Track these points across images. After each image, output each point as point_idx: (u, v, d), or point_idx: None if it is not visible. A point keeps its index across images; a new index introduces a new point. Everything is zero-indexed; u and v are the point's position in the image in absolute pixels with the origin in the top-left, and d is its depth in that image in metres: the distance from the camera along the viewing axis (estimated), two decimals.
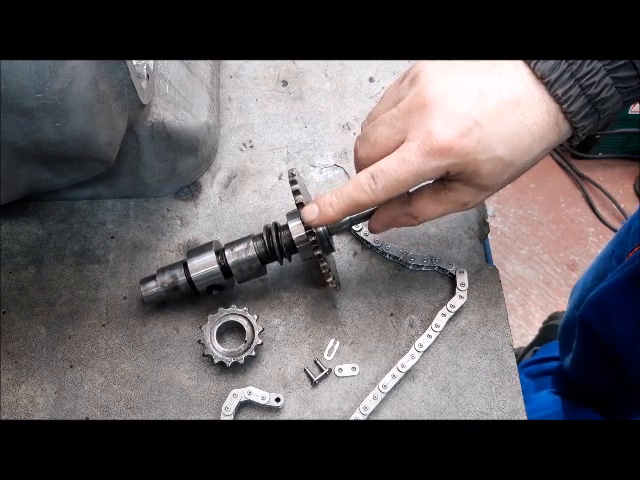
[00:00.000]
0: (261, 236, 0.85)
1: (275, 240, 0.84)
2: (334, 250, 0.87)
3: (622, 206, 2.69)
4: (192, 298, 0.89)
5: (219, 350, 0.85)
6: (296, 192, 0.78)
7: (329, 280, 0.81)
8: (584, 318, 1.39)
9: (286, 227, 0.83)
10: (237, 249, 0.85)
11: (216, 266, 0.84)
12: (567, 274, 2.55)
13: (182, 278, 0.86)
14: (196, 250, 0.87)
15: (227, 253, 0.85)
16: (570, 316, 1.52)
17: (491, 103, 0.68)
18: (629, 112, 2.55)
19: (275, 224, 0.86)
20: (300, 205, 0.78)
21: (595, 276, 1.39)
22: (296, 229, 0.81)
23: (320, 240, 0.81)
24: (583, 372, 1.54)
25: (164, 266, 0.88)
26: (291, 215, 0.83)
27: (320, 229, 0.82)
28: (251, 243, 0.85)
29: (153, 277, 0.87)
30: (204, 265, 0.85)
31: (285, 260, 0.86)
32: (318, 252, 0.79)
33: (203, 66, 1.03)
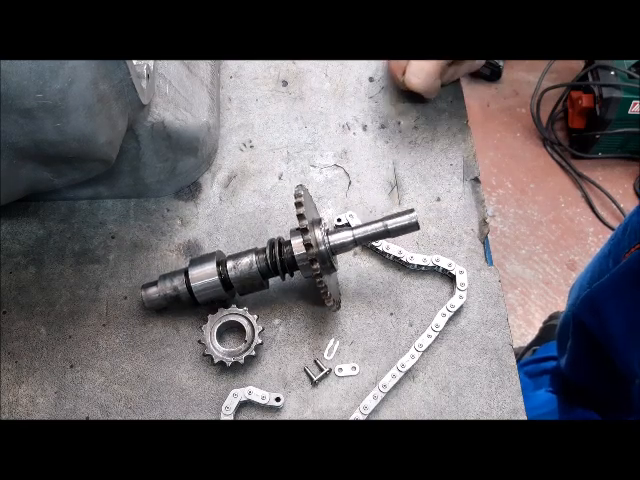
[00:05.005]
0: (264, 250, 0.85)
1: (277, 256, 0.84)
2: (336, 270, 0.86)
3: (622, 206, 2.69)
4: (193, 307, 0.89)
5: (219, 350, 0.85)
6: (299, 205, 0.78)
7: (325, 299, 0.81)
8: (578, 316, 1.39)
9: (289, 243, 0.83)
10: (239, 263, 0.84)
11: (216, 278, 0.84)
12: (567, 274, 2.56)
13: (183, 287, 0.86)
14: (198, 260, 0.87)
15: (229, 267, 0.85)
16: (567, 316, 1.53)
17: None
18: (629, 112, 2.55)
19: (279, 239, 0.86)
20: (301, 217, 0.77)
21: (592, 277, 1.39)
22: (298, 246, 0.80)
23: (321, 259, 0.80)
24: (578, 371, 1.55)
25: (166, 273, 0.88)
26: (294, 232, 0.83)
27: (322, 248, 0.81)
28: (253, 257, 0.85)
29: (154, 283, 0.87)
30: (205, 277, 0.85)
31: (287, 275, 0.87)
32: (318, 272, 0.78)
33: (203, 66, 1.03)
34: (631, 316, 1.18)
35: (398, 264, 0.94)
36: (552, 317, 2.22)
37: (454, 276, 0.91)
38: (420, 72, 0.99)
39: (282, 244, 0.85)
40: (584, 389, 1.55)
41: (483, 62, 1.14)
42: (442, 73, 1.00)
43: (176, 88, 0.93)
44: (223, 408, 0.83)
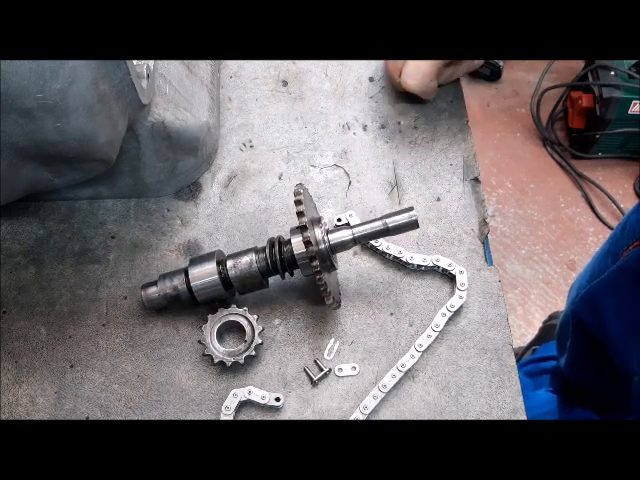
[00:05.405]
0: (263, 249, 0.85)
1: (277, 255, 0.84)
2: (336, 269, 0.86)
3: (622, 206, 2.69)
4: (193, 307, 0.89)
5: (219, 350, 0.85)
6: (298, 202, 0.78)
7: (325, 296, 0.81)
8: (577, 315, 1.39)
9: (289, 242, 0.83)
10: (239, 262, 0.84)
11: (216, 277, 0.84)
12: (567, 274, 2.56)
13: (182, 287, 0.86)
14: (198, 259, 0.87)
15: (229, 266, 0.85)
16: (566, 315, 1.53)
17: None
18: (629, 112, 2.55)
19: (279, 238, 0.86)
20: (300, 214, 0.78)
21: (591, 275, 1.39)
22: (298, 244, 0.80)
23: (321, 257, 0.80)
24: (577, 371, 1.55)
25: (165, 273, 0.88)
26: (294, 230, 0.83)
27: (322, 246, 0.81)
28: (253, 256, 0.85)
29: (154, 283, 0.87)
30: (205, 276, 0.85)
31: (287, 274, 0.86)
32: (317, 270, 0.78)
33: (203, 66, 1.03)
34: (630, 314, 1.18)
35: (398, 264, 0.94)
36: (552, 317, 2.22)
37: (454, 276, 0.91)
38: (416, 73, 0.99)
39: (282, 243, 0.85)
40: (584, 388, 1.55)
41: (482, 62, 1.14)
42: (438, 74, 1.00)
43: (176, 88, 0.93)
44: (223, 408, 0.83)
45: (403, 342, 0.89)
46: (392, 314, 0.91)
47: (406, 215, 0.82)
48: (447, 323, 0.89)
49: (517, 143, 2.88)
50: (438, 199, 1.00)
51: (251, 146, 1.05)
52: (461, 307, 0.90)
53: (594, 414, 1.47)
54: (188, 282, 0.85)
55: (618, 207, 2.69)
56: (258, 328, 0.86)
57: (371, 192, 1.00)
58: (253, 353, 0.85)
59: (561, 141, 2.85)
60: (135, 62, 0.80)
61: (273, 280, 0.90)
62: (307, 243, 0.78)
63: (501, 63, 2.98)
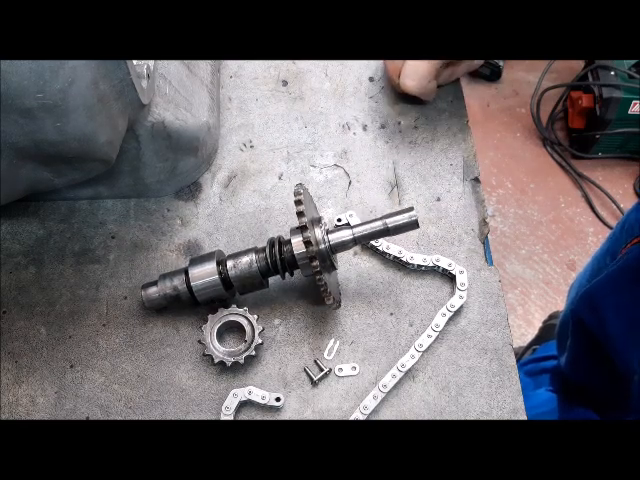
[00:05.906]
0: (263, 249, 0.85)
1: (277, 255, 0.84)
2: (336, 269, 0.86)
3: (622, 206, 2.69)
4: (193, 307, 0.89)
5: (219, 350, 0.85)
6: (298, 202, 0.78)
7: (325, 296, 0.81)
8: (577, 314, 1.39)
9: (289, 242, 0.83)
10: (239, 262, 0.84)
11: (217, 277, 0.84)
12: (567, 274, 2.56)
13: (183, 287, 0.86)
14: (198, 259, 0.87)
15: (229, 266, 0.85)
16: (566, 315, 1.53)
17: None
18: (629, 112, 2.55)
19: (279, 238, 0.86)
20: (300, 214, 0.78)
21: (591, 274, 1.39)
22: (298, 244, 0.80)
23: (321, 258, 0.80)
24: (577, 370, 1.55)
25: (165, 273, 0.88)
26: (294, 230, 0.83)
27: (322, 246, 0.81)
28: (253, 256, 0.85)
29: (154, 283, 0.87)
30: (205, 277, 0.85)
31: (287, 274, 0.86)
32: (317, 270, 0.78)
33: (203, 66, 1.03)
34: (630, 313, 1.18)
35: (398, 264, 0.94)
36: (552, 316, 2.22)
37: (454, 276, 0.91)
38: (414, 75, 0.99)
39: (282, 243, 0.85)
40: (584, 388, 1.55)
41: (482, 62, 1.14)
42: (437, 75, 1.00)
43: (176, 88, 0.93)
44: (223, 408, 0.83)
45: (403, 342, 0.89)
46: (392, 314, 0.91)
47: (406, 215, 0.82)
48: (447, 323, 0.89)
49: (517, 143, 2.88)
50: (438, 199, 1.00)
51: (251, 146, 1.05)
52: (461, 307, 0.90)
53: (594, 414, 1.47)
54: (188, 282, 0.85)
55: (618, 207, 2.69)
56: (258, 328, 0.86)
57: (371, 192, 1.00)
58: (253, 353, 0.85)
59: (561, 141, 2.85)
60: (135, 62, 0.80)
61: (273, 280, 0.90)
62: (307, 243, 0.78)
63: (501, 63, 2.98)
